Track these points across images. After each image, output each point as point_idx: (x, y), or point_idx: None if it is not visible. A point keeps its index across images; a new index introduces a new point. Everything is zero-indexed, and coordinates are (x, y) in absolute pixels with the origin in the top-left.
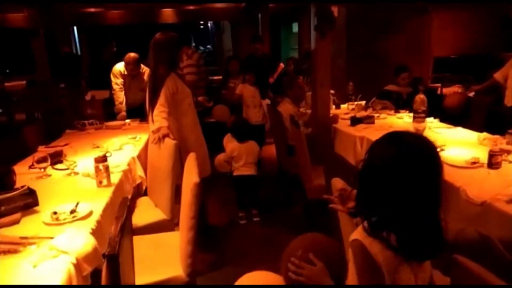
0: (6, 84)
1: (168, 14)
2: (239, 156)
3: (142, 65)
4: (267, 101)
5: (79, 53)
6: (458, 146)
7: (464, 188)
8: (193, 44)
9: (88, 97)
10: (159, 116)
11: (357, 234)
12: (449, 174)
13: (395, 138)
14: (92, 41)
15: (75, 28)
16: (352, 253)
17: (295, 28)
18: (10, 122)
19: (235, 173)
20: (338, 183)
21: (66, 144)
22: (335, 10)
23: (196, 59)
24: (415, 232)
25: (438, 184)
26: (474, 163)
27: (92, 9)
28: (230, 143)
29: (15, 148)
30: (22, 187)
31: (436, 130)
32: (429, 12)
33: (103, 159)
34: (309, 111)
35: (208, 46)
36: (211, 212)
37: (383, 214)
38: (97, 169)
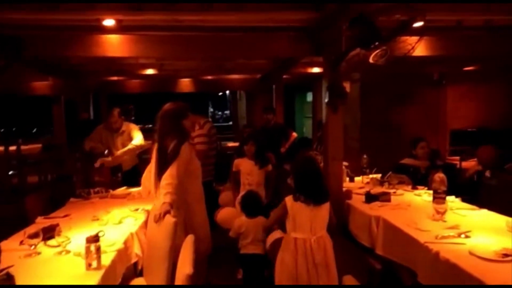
0: (23, 147)
1: (185, 83)
2: (247, 232)
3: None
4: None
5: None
6: (485, 232)
7: None
8: (211, 109)
9: (97, 164)
10: (165, 189)
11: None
12: (476, 268)
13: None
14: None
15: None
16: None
17: (309, 97)
18: (21, 184)
19: (242, 251)
20: (350, 282)
21: (66, 215)
22: (347, 85)
23: (208, 129)
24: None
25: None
26: (505, 255)
27: (114, 78)
28: (237, 219)
29: (18, 214)
30: (1, 271)
31: (458, 212)
32: (444, 84)
33: (94, 239)
34: None
35: (226, 112)
36: None
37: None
38: (87, 250)
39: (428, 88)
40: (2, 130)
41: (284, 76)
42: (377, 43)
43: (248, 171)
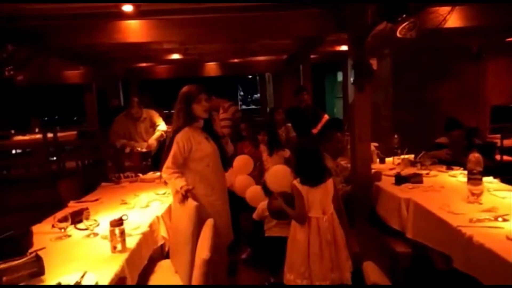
0: (60, 134)
1: (211, 67)
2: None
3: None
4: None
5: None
6: None
7: None
8: (241, 93)
9: (127, 150)
10: (171, 179)
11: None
12: None
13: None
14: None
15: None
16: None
17: (340, 77)
18: (59, 170)
19: (267, 234)
20: (371, 270)
21: (96, 199)
22: (373, 62)
23: (232, 113)
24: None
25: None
26: None
27: (142, 64)
28: (262, 203)
29: (55, 199)
30: (31, 253)
31: (496, 194)
32: (483, 57)
33: (118, 222)
34: (349, 165)
35: (256, 95)
36: (241, 277)
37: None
38: (111, 233)
39: (466, 62)
40: (41, 119)
41: (312, 56)
42: (404, 16)
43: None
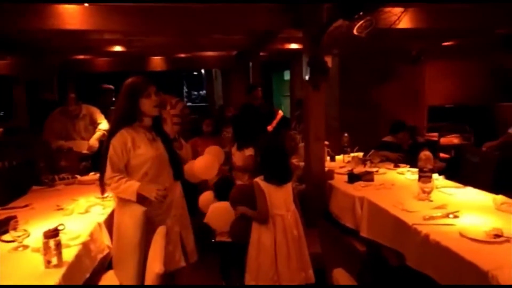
0: None
1: (157, 62)
2: (221, 221)
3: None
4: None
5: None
6: (473, 212)
7: (495, 273)
8: (186, 89)
9: (64, 147)
10: (120, 186)
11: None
12: (470, 251)
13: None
14: (79, 87)
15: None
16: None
17: (287, 75)
18: None
19: (218, 239)
20: (341, 276)
21: (26, 205)
22: (328, 60)
23: (180, 109)
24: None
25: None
26: (497, 235)
27: (81, 56)
28: (212, 205)
29: None
30: None
31: (444, 191)
32: (422, 61)
33: (53, 233)
34: (302, 164)
35: (202, 92)
36: (191, 280)
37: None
38: (45, 245)
39: (407, 64)
40: None
41: (261, 54)
42: (361, 13)
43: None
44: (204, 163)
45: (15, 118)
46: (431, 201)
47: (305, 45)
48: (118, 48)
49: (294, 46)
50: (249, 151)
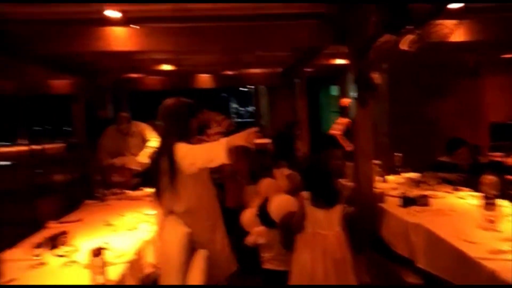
0: (48, 146)
1: (205, 79)
2: (270, 244)
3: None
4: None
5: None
6: None
7: None
8: (235, 105)
9: (118, 163)
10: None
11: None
12: None
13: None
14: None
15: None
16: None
17: (334, 91)
18: (49, 183)
19: (264, 266)
20: None
21: (77, 220)
22: (376, 76)
23: (226, 126)
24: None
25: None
26: None
27: (133, 75)
28: (256, 228)
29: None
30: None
31: None
32: (481, 74)
33: (99, 251)
34: (351, 184)
35: (250, 108)
36: None
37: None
38: (91, 263)
39: (464, 78)
40: (29, 128)
41: (307, 69)
42: (408, 27)
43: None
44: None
45: (74, 135)
46: (499, 231)
47: (351, 61)
48: (167, 67)
49: (340, 61)
50: (286, 171)
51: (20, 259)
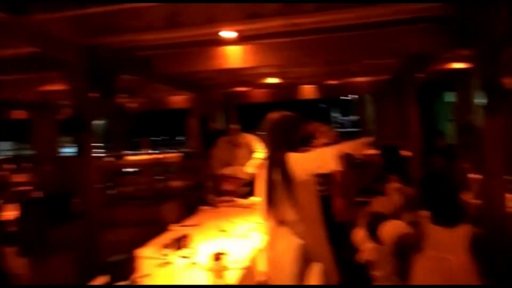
0: (167, 155)
1: (308, 90)
2: (382, 263)
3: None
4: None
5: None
6: None
7: None
8: (335, 115)
9: (227, 172)
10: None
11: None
12: None
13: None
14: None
15: None
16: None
17: (447, 97)
18: (168, 189)
19: (375, 284)
20: None
21: (195, 225)
22: (509, 81)
23: (332, 137)
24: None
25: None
26: None
27: (240, 89)
28: (366, 243)
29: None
30: (136, 281)
31: None
32: None
33: (218, 256)
34: (475, 201)
35: (350, 117)
36: None
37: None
38: (212, 267)
39: None
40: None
41: (418, 75)
42: None
43: None
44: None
45: (189, 145)
46: None
47: (477, 64)
48: (273, 80)
49: (458, 65)
50: (397, 185)
51: (150, 257)
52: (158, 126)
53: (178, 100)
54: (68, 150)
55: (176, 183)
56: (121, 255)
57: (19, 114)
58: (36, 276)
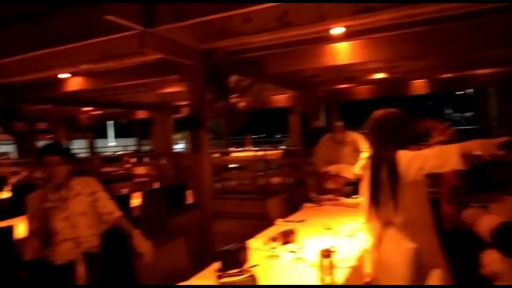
0: (268, 152)
1: (419, 85)
2: (507, 275)
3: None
4: None
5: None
6: None
7: None
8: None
9: (332, 171)
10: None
11: None
12: None
13: None
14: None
15: None
16: None
17: None
18: (266, 185)
19: None
20: None
21: (301, 221)
22: None
23: (449, 135)
24: None
25: None
26: None
27: (343, 86)
28: (489, 255)
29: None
30: (249, 271)
31: None
32: None
33: (328, 253)
34: None
35: (466, 114)
36: None
37: None
38: (321, 264)
39: None
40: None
41: None
42: None
43: None
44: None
45: (290, 142)
46: None
47: None
48: (379, 75)
49: None
50: None
51: (259, 249)
52: (258, 125)
53: (280, 99)
54: (179, 146)
55: (276, 179)
56: (234, 245)
57: (141, 114)
58: (156, 257)
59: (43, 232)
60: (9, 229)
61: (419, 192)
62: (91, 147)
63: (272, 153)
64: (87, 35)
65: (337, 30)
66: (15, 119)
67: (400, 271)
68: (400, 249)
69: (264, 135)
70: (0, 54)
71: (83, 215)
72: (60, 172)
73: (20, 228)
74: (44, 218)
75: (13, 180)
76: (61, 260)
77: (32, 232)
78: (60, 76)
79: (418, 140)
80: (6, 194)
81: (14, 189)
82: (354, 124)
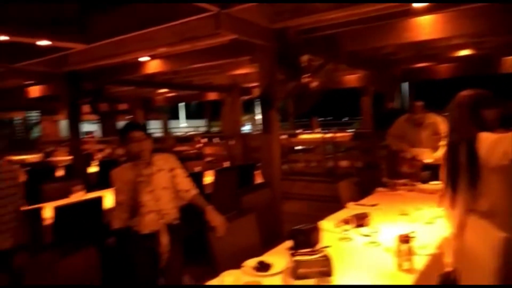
0: (337, 134)
1: (511, 62)
2: None
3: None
4: None
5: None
6: None
7: None
8: None
9: (407, 155)
10: None
11: None
12: None
13: None
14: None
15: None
16: None
17: None
18: (335, 168)
19: None
20: None
21: (374, 205)
22: None
23: None
24: None
25: None
26: None
27: (421, 64)
28: None
29: (332, 194)
30: (319, 250)
31: None
32: None
33: (406, 239)
34: None
35: None
36: None
37: None
38: (398, 249)
39: None
40: (320, 119)
41: None
42: None
43: None
44: None
45: (361, 124)
46: None
47: None
48: (464, 52)
49: None
50: None
51: (331, 231)
52: (326, 107)
53: (351, 79)
54: (246, 128)
55: (345, 163)
56: (305, 224)
57: (212, 96)
58: (229, 231)
59: (130, 204)
60: (99, 200)
61: (507, 178)
62: (165, 127)
63: (341, 135)
64: (167, 19)
65: (419, 3)
66: (101, 100)
67: (487, 262)
68: (488, 239)
69: (330, 118)
70: (91, 38)
71: (165, 189)
72: (146, 146)
73: (107, 199)
74: (132, 191)
75: (99, 156)
76: (146, 230)
77: (119, 203)
78: (141, 59)
79: (508, 123)
80: (93, 169)
81: (101, 164)
82: (433, 106)
